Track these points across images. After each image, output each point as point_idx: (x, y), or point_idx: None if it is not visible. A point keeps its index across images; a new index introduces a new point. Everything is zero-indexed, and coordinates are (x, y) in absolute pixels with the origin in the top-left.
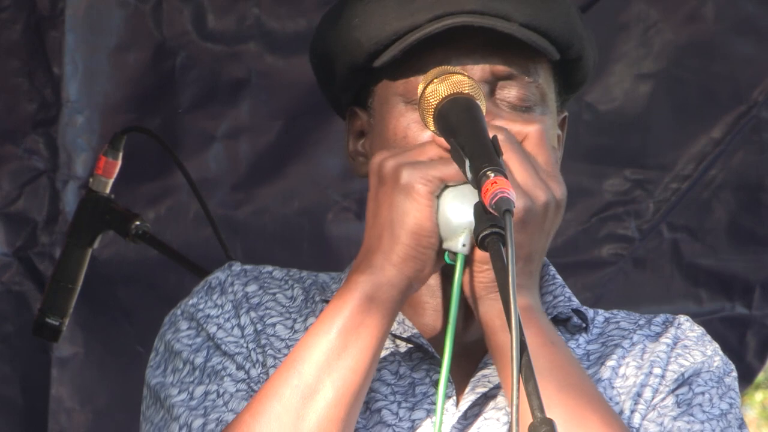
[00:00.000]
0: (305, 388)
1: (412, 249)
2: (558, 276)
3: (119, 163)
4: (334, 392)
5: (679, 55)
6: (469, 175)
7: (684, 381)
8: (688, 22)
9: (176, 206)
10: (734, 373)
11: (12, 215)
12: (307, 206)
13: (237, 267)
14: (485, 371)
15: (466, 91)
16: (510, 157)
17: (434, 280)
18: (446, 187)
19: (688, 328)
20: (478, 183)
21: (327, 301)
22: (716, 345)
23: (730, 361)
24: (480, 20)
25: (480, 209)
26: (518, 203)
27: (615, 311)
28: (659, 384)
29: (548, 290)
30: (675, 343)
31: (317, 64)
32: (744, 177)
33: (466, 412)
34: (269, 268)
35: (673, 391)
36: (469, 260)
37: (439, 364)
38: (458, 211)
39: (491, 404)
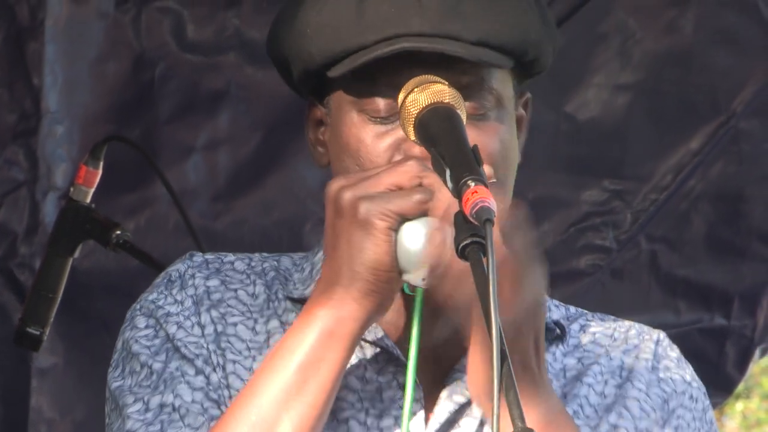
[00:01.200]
0: (263, 424)
1: (372, 284)
2: None
3: (100, 172)
4: (292, 428)
5: (657, 66)
6: (449, 184)
7: (668, 409)
8: (667, 33)
9: (156, 216)
10: (708, 400)
11: None
12: (286, 217)
13: (198, 258)
14: (461, 374)
15: (447, 101)
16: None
17: None
18: (404, 220)
19: (668, 346)
20: (458, 192)
21: (290, 299)
22: (691, 368)
23: (702, 384)
24: (429, 44)
25: (460, 218)
26: None
27: (589, 316)
28: (643, 401)
29: None
30: (658, 362)
31: (274, 60)
32: (722, 188)
33: (443, 421)
34: (231, 257)
35: (655, 418)
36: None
37: (405, 366)
38: (417, 244)
39: (466, 411)
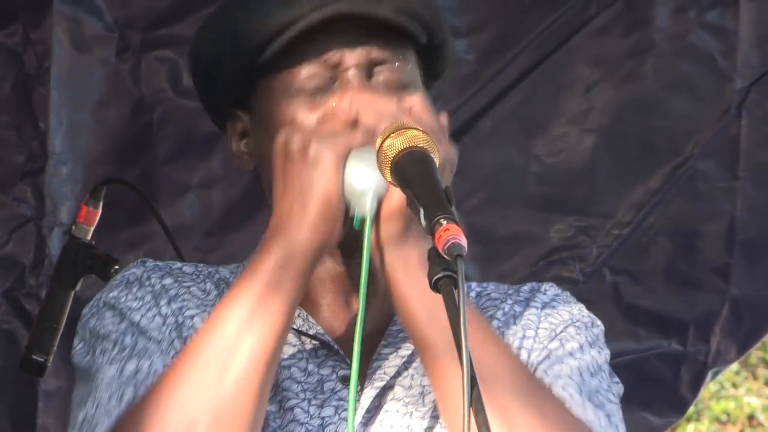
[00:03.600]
0: (226, 344)
1: (322, 216)
2: None
3: (99, 211)
4: (253, 348)
5: (619, 112)
6: (423, 222)
7: (555, 336)
8: (628, 82)
9: (153, 252)
10: (601, 327)
11: (1, 259)
12: None
13: (150, 263)
14: (379, 362)
15: (421, 145)
16: (408, 121)
17: (328, 279)
18: (348, 155)
19: (553, 293)
20: (432, 230)
21: (244, 269)
22: (582, 305)
23: (597, 318)
24: (356, 6)
25: (433, 254)
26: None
27: (486, 283)
28: (533, 343)
29: None
30: (543, 306)
31: (199, 70)
32: (680, 224)
33: (368, 406)
34: (178, 264)
35: (545, 347)
36: (374, 220)
37: (345, 361)
38: (363, 176)
39: (390, 395)
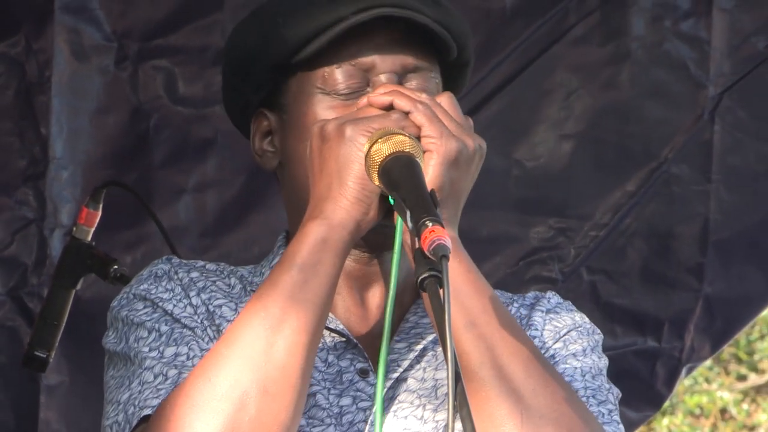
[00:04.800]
0: (272, 320)
1: (359, 192)
2: None
3: (99, 213)
4: (298, 321)
5: (597, 118)
6: (410, 224)
7: (559, 338)
8: (606, 89)
9: (150, 252)
10: (601, 335)
11: (5, 259)
12: (266, 252)
13: (176, 260)
14: (393, 356)
15: (407, 150)
16: (439, 112)
17: (345, 276)
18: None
19: (557, 301)
20: (417, 231)
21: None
22: (583, 314)
23: (596, 327)
24: (400, 12)
25: (419, 254)
26: (452, 145)
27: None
28: (537, 343)
29: None
30: (547, 311)
31: (232, 66)
32: (655, 226)
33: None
34: (201, 262)
35: (550, 347)
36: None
37: (362, 354)
38: None
39: (403, 387)
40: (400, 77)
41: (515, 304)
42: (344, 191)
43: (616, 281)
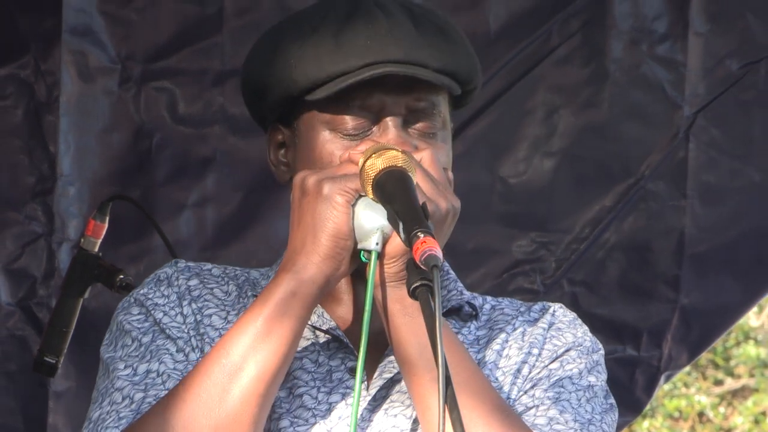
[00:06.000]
0: (231, 367)
1: (331, 250)
2: (452, 272)
3: (106, 226)
4: (257, 371)
5: (578, 136)
6: (402, 235)
7: (557, 357)
8: (586, 108)
9: (154, 263)
10: (602, 351)
11: (15, 271)
12: (263, 264)
13: (182, 264)
14: (389, 357)
15: (400, 165)
16: (418, 173)
17: (348, 281)
18: (360, 197)
19: (562, 314)
20: (410, 242)
21: (257, 296)
22: (586, 328)
23: (599, 342)
24: (404, 69)
25: (411, 264)
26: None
27: (500, 299)
28: (536, 361)
29: (443, 285)
30: (550, 327)
31: (248, 87)
32: (633, 239)
33: (375, 395)
34: (209, 265)
35: (546, 366)
36: (379, 257)
37: (353, 353)
38: (371, 216)
39: (396, 387)
40: (406, 118)
41: (520, 318)
42: (317, 247)
43: (596, 292)
